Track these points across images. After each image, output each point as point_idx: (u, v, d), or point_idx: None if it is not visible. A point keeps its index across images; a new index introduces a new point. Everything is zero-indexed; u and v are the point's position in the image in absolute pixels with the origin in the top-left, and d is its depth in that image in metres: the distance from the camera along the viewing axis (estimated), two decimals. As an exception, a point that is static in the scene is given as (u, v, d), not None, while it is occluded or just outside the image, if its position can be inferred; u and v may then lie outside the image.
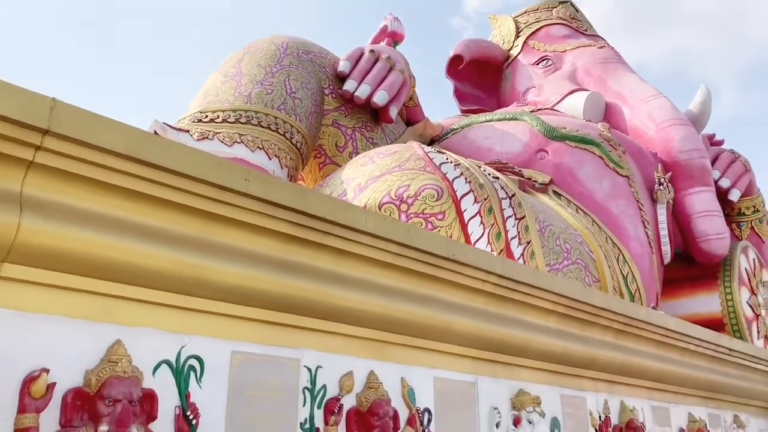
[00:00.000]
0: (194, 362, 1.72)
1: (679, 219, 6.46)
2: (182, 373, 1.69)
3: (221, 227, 1.74)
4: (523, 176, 5.65)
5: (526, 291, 2.66)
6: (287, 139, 4.69)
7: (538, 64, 8.07)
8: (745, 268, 6.55)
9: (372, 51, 5.79)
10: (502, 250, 4.21)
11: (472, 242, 4.12)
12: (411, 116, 6.72)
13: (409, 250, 2.19)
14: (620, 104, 7.22)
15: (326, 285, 2.01)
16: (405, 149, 4.50)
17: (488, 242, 4.19)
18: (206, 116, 4.45)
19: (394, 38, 8.30)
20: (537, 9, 8.60)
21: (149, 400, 1.60)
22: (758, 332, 6.34)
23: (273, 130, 4.60)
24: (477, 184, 4.27)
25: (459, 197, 4.14)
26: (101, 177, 1.53)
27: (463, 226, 4.12)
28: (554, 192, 5.70)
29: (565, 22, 8.38)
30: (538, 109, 6.89)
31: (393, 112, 5.72)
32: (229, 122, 4.45)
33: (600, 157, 5.97)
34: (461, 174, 4.29)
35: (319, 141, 5.41)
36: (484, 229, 4.18)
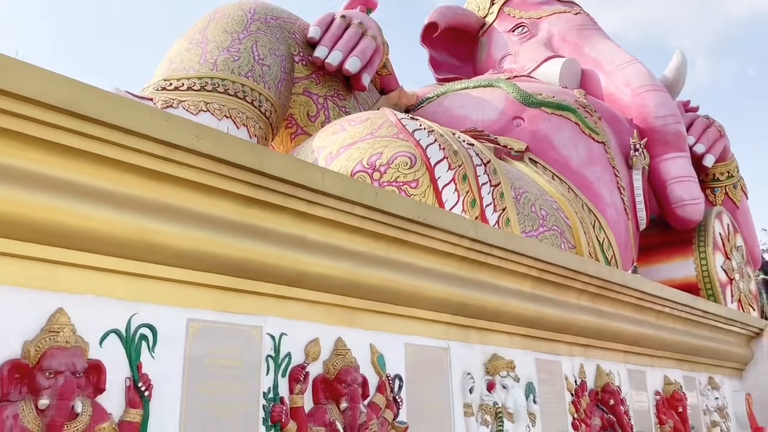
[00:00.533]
0: (146, 331, 1.62)
1: (655, 185, 6.44)
2: (133, 342, 1.58)
3: (171, 187, 1.62)
4: (498, 144, 5.57)
5: (499, 255, 2.58)
6: (255, 107, 4.54)
7: (513, 31, 7.94)
8: (719, 233, 6.56)
9: (343, 16, 5.62)
10: (477, 217, 4.13)
11: (447, 209, 4.04)
12: (385, 85, 6.58)
13: (378, 213, 2.09)
14: (596, 71, 7.13)
15: (290, 250, 1.91)
16: (377, 116, 4.39)
17: (463, 209, 4.11)
18: (170, 84, 4.28)
19: (368, 5, 8.10)
20: (512, -25, 8.44)
21: (96, 371, 1.50)
22: (732, 296, 6.37)
23: (240, 98, 4.45)
24: (451, 150, 4.18)
25: (433, 164, 4.05)
26: (35, 132, 1.40)
27: (437, 194, 4.03)
28: (530, 159, 5.62)
29: (540, -12, 8.23)
30: (515, 77, 6.79)
31: (366, 79, 5.57)
32: (195, 90, 4.29)
33: (576, 123, 5.90)
34: (435, 141, 4.19)
35: (290, 110, 5.26)
36: (459, 196, 4.09)
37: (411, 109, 6.58)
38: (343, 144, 4.22)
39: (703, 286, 6.25)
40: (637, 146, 6.12)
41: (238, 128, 4.35)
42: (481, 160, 4.35)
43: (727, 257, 6.52)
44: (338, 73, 5.39)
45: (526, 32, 7.80)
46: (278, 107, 4.82)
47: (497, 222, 4.23)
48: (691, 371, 4.09)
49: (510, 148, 5.58)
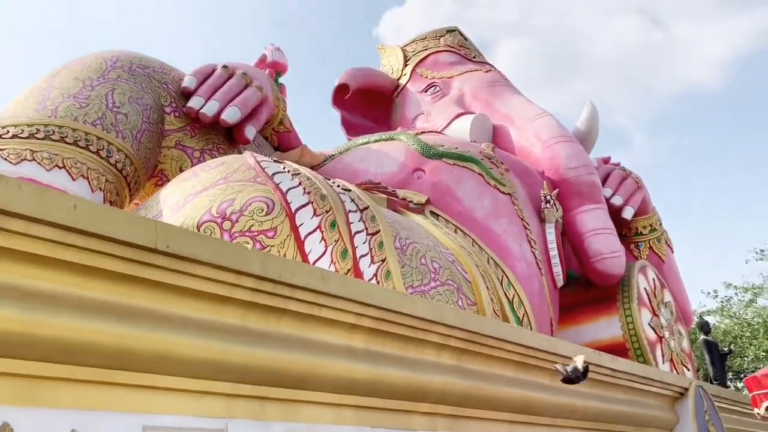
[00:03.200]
0: None
1: (571, 239, 5.91)
2: None
3: None
4: (396, 196, 5.00)
5: (309, 299, 1.90)
6: (102, 158, 3.86)
7: (426, 91, 7.61)
8: (645, 288, 6.00)
9: (225, 66, 5.08)
10: (349, 270, 3.47)
11: (311, 262, 3.38)
12: (283, 142, 6.02)
13: (83, 237, 1.42)
14: (507, 126, 6.74)
15: None
16: (234, 160, 3.76)
17: (332, 261, 3.46)
18: (-7, 132, 3.60)
19: (277, 68, 7.64)
20: (425, 38, 8.21)
21: None
22: (663, 356, 5.74)
23: (82, 147, 3.77)
24: (318, 195, 3.55)
25: (294, 210, 3.41)
26: None
27: (299, 244, 3.38)
28: (432, 212, 5.04)
29: (453, 49, 7.99)
30: (422, 132, 6.31)
31: (249, 132, 4.99)
32: (21, 137, 3.59)
33: (480, 174, 5.38)
34: (299, 184, 3.57)
35: (161, 165, 4.60)
36: (326, 246, 3.44)
37: (315, 168, 6.03)
38: (192, 191, 3.56)
39: (631, 346, 5.64)
40: (548, 197, 5.60)
41: (74, 179, 3.64)
42: (357, 206, 3.74)
43: (655, 314, 5.94)
44: (219, 125, 4.82)
45: (438, 92, 7.46)
46: (136, 160, 4.15)
47: (375, 275, 3.57)
48: (604, 442, 3.36)
49: (409, 201, 5.01)
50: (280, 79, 7.89)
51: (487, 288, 4.43)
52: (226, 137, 5.00)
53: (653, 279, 6.24)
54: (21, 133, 3.62)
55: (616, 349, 5.69)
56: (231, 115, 4.73)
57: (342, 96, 7.56)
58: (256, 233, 3.34)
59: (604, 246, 5.71)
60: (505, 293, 4.75)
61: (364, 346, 2.10)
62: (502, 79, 7.39)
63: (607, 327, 5.86)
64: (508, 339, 2.59)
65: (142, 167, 4.26)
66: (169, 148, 4.65)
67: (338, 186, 3.86)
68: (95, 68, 4.33)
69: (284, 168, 3.70)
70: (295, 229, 3.43)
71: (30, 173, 3.47)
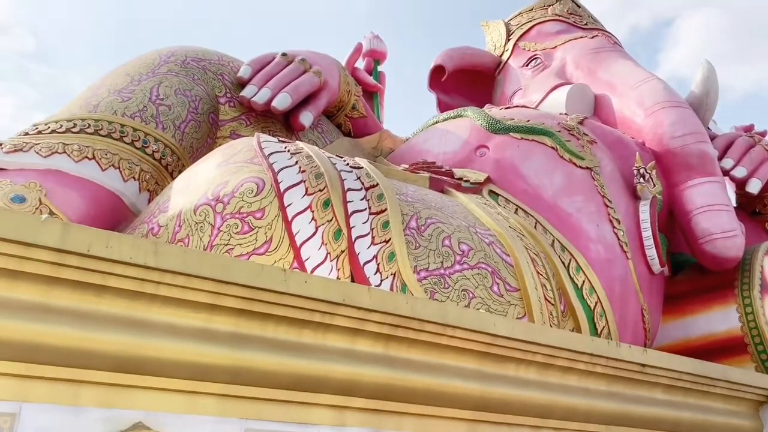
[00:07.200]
0: None
1: (678, 218, 5.02)
2: None
3: None
4: (453, 176, 4.59)
5: (135, 275, 1.67)
6: (137, 148, 3.95)
7: (527, 65, 6.97)
8: (773, 273, 4.93)
9: (284, 54, 5.00)
10: (343, 252, 3.20)
11: (298, 244, 3.16)
12: (358, 128, 5.82)
13: None
14: (609, 94, 5.93)
15: None
16: (240, 142, 3.63)
17: (323, 243, 3.21)
18: (35, 128, 3.81)
19: (375, 57, 7.47)
20: (531, 9, 7.52)
21: None
22: (794, 354, 4.68)
23: (115, 139, 3.87)
24: (313, 174, 3.32)
25: (282, 189, 3.21)
26: None
27: (287, 224, 3.17)
28: (491, 192, 4.55)
29: (560, 17, 7.22)
30: (507, 107, 5.75)
31: (305, 118, 4.85)
32: (59, 132, 3.77)
33: (552, 147, 4.74)
34: (296, 163, 3.36)
35: (216, 155, 4.64)
36: (317, 226, 3.19)
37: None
38: (195, 175, 3.52)
39: (751, 341, 4.65)
40: (642, 171, 4.80)
41: (103, 170, 3.75)
42: (362, 183, 3.44)
43: (787, 303, 4.85)
44: (278, 114, 4.75)
45: (539, 64, 6.79)
46: (179, 149, 4.19)
47: (375, 257, 3.26)
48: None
49: (466, 180, 4.56)
50: (379, 68, 7.68)
51: (539, 273, 3.88)
52: (284, 125, 4.92)
53: (787, 262, 5.10)
54: (59, 128, 3.80)
55: (732, 344, 4.76)
56: (281, 101, 4.62)
57: (439, 78, 7.17)
58: (245, 215, 3.19)
59: (715, 224, 4.78)
60: (573, 278, 4.15)
61: (232, 329, 1.83)
62: (609, 43, 6.53)
63: (722, 318, 4.90)
64: (466, 327, 2.14)
65: (186, 157, 4.30)
66: (224, 138, 4.65)
67: (347, 164, 3.59)
68: (147, 63, 4.44)
69: (285, 147, 3.50)
70: (283, 209, 3.23)
71: (57, 165, 3.62)
